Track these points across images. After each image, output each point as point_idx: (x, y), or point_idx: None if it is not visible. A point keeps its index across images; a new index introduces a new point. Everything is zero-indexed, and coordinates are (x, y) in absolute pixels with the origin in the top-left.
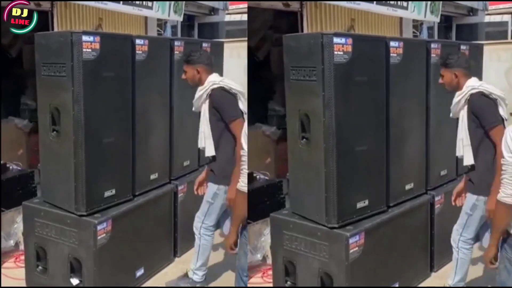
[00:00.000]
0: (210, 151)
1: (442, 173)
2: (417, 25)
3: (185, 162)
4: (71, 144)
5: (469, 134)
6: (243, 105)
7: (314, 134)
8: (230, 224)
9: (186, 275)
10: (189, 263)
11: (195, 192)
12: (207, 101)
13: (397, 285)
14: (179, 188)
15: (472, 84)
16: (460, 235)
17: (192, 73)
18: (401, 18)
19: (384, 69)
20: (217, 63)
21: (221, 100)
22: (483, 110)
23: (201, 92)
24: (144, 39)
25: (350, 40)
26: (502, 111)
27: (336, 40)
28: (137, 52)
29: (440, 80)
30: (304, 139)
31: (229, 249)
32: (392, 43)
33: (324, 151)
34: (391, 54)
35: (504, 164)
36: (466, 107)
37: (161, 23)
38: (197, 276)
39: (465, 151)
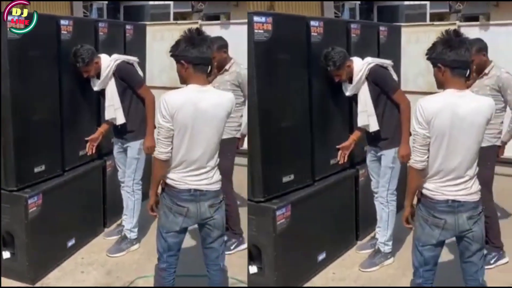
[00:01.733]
0: (121, 120)
1: (366, 148)
2: (338, 6)
3: (113, 139)
4: None
5: (373, 103)
6: (140, 71)
7: None
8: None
9: (124, 237)
10: (118, 233)
11: (88, 151)
12: (113, 76)
13: (324, 254)
14: (108, 163)
15: (366, 61)
16: (387, 189)
17: (93, 68)
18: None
19: (306, 48)
20: (140, 45)
21: (127, 72)
22: (384, 78)
23: (107, 71)
24: (69, 20)
25: (270, 19)
26: (394, 76)
27: (256, 18)
28: (62, 32)
29: (337, 80)
30: None
31: (150, 211)
32: (312, 23)
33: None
34: (312, 33)
35: (414, 134)
36: (366, 81)
37: (87, 5)
38: (134, 234)
39: (370, 120)
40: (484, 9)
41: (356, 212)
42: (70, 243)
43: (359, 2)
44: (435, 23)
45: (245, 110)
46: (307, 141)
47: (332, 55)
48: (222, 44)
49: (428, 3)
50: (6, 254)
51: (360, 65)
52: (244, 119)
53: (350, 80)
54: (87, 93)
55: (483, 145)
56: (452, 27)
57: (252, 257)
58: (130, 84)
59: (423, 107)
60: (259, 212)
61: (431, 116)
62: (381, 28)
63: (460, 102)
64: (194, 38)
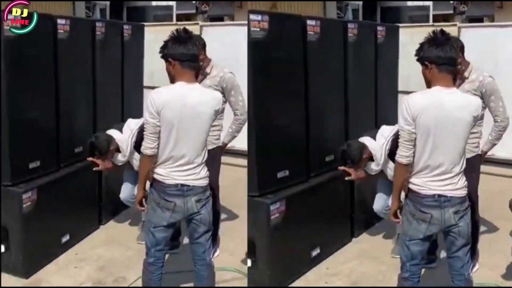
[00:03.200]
0: None
1: None
2: (341, 6)
3: None
4: None
5: None
6: None
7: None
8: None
9: None
10: (113, 230)
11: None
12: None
13: (318, 250)
14: None
15: (380, 143)
16: None
17: (110, 155)
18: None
19: (302, 46)
20: (137, 45)
21: None
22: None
23: (128, 143)
24: (66, 19)
25: (266, 17)
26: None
27: (252, 17)
28: (59, 31)
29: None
30: None
31: (138, 205)
32: (309, 22)
33: None
34: (309, 32)
35: (400, 130)
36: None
37: (90, 6)
38: None
39: None
40: (488, 10)
41: (352, 209)
42: (64, 239)
43: (361, 2)
44: (435, 23)
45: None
46: (302, 138)
47: (348, 154)
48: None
49: (431, 4)
50: (1, 248)
51: (379, 150)
52: (225, 128)
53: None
54: (84, 91)
55: (468, 156)
56: (452, 28)
57: (247, 251)
58: None
59: (409, 104)
60: (254, 206)
61: (417, 112)
62: (379, 28)
63: (447, 98)
64: (181, 37)
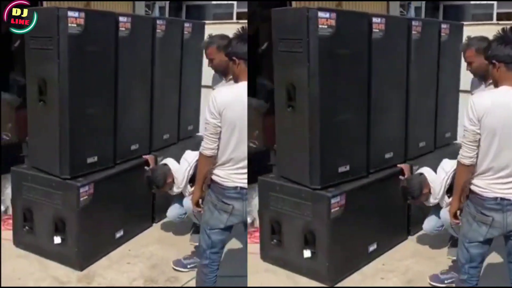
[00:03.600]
0: None
1: (421, 144)
2: (404, 4)
3: (164, 136)
4: (56, 113)
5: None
6: None
7: (299, 102)
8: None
9: None
10: (166, 229)
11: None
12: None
13: (375, 245)
14: (159, 159)
15: (440, 177)
16: None
17: (167, 187)
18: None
19: (367, 43)
20: (197, 44)
21: None
22: None
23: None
24: (127, 17)
25: (334, 15)
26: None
27: (320, 14)
28: (120, 29)
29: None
30: (290, 107)
31: (195, 205)
32: (374, 19)
33: (309, 118)
34: (374, 30)
35: (464, 130)
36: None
37: (150, 4)
38: None
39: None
40: None
41: (408, 207)
42: (118, 235)
43: (424, 0)
44: (500, 22)
45: None
46: (363, 134)
47: (408, 190)
48: (223, 44)
49: (495, 2)
50: (57, 240)
51: (438, 184)
52: None
53: None
54: (142, 90)
55: None
56: None
57: (307, 242)
58: None
59: (475, 103)
60: (315, 199)
61: (482, 112)
62: (443, 25)
63: None
64: (246, 35)
